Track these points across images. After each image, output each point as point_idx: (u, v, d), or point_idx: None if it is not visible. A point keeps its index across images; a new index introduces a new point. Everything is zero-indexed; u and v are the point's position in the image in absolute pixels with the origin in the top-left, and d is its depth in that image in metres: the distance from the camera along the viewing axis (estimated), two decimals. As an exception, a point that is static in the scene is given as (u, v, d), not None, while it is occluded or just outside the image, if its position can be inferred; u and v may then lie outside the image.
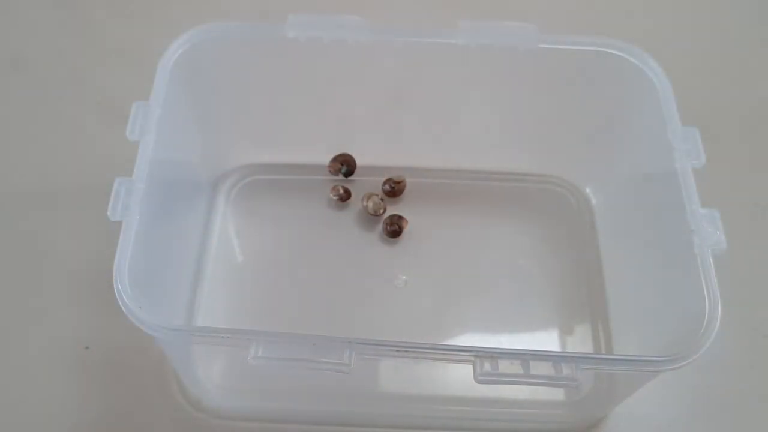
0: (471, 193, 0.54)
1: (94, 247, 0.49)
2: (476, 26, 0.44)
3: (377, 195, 0.52)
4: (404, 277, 0.50)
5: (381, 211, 0.52)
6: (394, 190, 0.53)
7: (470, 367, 0.35)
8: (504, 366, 0.34)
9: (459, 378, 0.42)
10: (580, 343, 0.48)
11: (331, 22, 0.44)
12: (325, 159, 0.54)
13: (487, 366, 0.34)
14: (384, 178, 0.53)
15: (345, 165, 0.54)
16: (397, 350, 0.37)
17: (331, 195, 0.53)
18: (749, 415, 0.45)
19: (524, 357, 0.34)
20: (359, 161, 0.54)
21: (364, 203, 0.52)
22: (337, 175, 0.54)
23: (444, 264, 0.51)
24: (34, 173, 0.54)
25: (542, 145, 0.53)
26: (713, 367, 0.46)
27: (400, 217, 0.51)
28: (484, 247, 0.51)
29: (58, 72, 0.59)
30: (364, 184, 0.54)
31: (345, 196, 0.53)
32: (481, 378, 0.34)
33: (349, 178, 0.54)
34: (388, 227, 0.51)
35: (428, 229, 0.52)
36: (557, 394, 0.45)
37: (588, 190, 0.54)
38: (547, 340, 0.48)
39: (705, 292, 0.36)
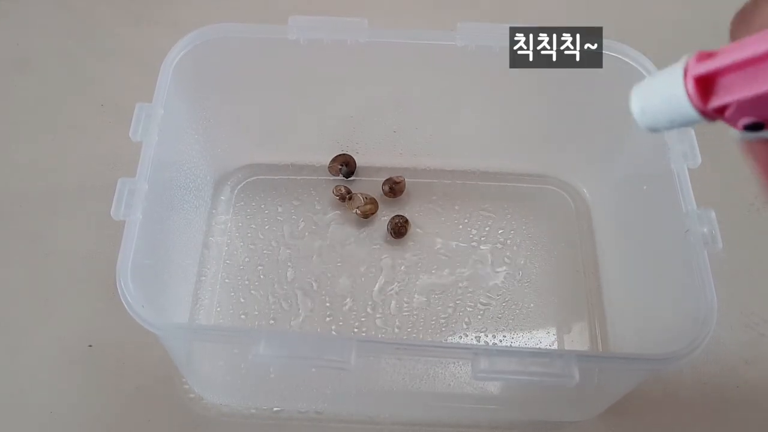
0: (469, 193, 0.54)
1: (98, 247, 0.50)
2: (475, 28, 0.45)
3: (360, 197, 0.52)
4: (404, 276, 0.50)
5: (362, 204, 0.52)
6: (393, 190, 0.53)
7: (469, 364, 0.35)
8: (502, 363, 0.35)
9: (457, 375, 0.42)
10: (577, 340, 0.48)
11: (332, 24, 0.45)
12: (326, 159, 0.55)
13: (485, 363, 0.34)
14: (384, 178, 0.54)
15: (345, 165, 0.54)
16: (397, 348, 0.38)
17: (333, 194, 0.53)
18: (745, 411, 0.46)
19: (522, 354, 0.35)
20: (359, 161, 0.55)
21: (356, 211, 0.52)
22: (337, 175, 0.55)
23: (442, 263, 0.51)
24: (39, 173, 0.54)
25: (540, 146, 0.53)
26: (709, 363, 0.47)
27: (407, 221, 0.52)
28: (483, 246, 0.52)
29: (62, 73, 0.60)
30: (364, 184, 0.54)
31: (347, 196, 0.53)
32: (479, 375, 0.34)
33: (349, 178, 0.55)
34: (394, 228, 0.51)
35: (427, 228, 0.53)
36: (552, 391, 0.45)
37: (585, 190, 0.54)
38: (545, 338, 0.48)
39: (701, 291, 0.37)
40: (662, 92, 0.22)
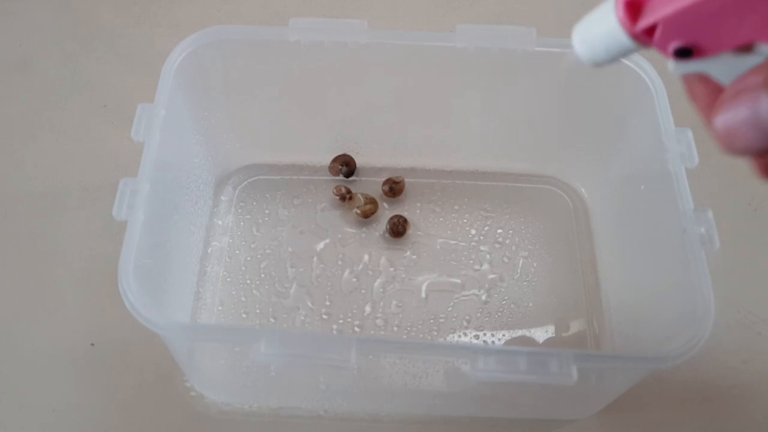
0: (468, 193, 0.54)
1: (100, 246, 0.50)
2: (475, 29, 0.45)
3: (360, 197, 0.53)
4: (404, 276, 0.51)
5: (362, 204, 0.52)
6: (393, 190, 0.54)
7: (468, 363, 0.35)
8: (500, 363, 0.35)
9: (456, 373, 0.43)
10: (576, 339, 0.48)
11: (332, 25, 0.45)
12: (326, 160, 0.55)
13: (483, 363, 0.35)
14: (384, 179, 0.54)
15: (345, 165, 0.55)
16: (397, 347, 0.38)
17: (334, 194, 0.53)
18: (742, 409, 0.46)
19: (520, 354, 0.35)
20: (359, 162, 0.55)
21: (356, 211, 0.52)
22: (337, 175, 0.55)
23: (442, 263, 0.51)
24: (41, 174, 0.54)
25: (539, 146, 0.54)
26: (707, 362, 0.47)
27: (405, 220, 0.52)
28: (482, 246, 0.52)
29: (64, 74, 0.60)
30: (364, 184, 0.55)
31: (347, 196, 0.53)
32: (478, 374, 0.35)
33: (350, 178, 0.55)
34: (392, 228, 0.52)
35: (427, 228, 0.53)
36: (550, 390, 0.46)
37: (583, 190, 0.55)
38: (543, 337, 0.49)
39: (698, 290, 0.37)
40: (597, 21, 0.24)
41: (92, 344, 0.47)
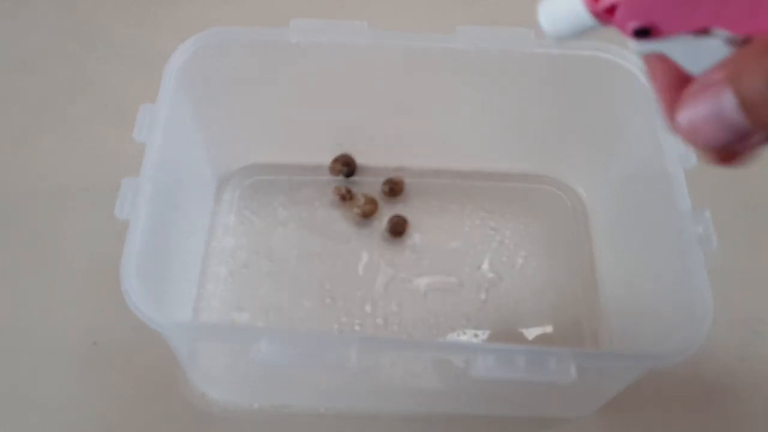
0: (468, 193, 0.55)
1: (102, 245, 0.50)
2: (474, 30, 0.45)
3: (361, 197, 0.53)
4: (404, 275, 0.51)
5: (362, 204, 0.52)
6: (393, 190, 0.54)
7: (467, 362, 0.35)
8: (499, 361, 0.35)
9: (456, 372, 0.43)
10: (574, 338, 0.49)
11: (333, 26, 0.45)
12: (327, 160, 0.55)
13: (483, 361, 0.35)
14: (384, 179, 0.54)
15: (346, 166, 0.55)
16: (397, 346, 0.38)
17: (334, 194, 0.54)
18: (740, 407, 0.46)
19: (519, 353, 0.35)
20: (359, 162, 0.55)
21: (356, 211, 0.53)
22: (338, 175, 0.55)
23: (441, 262, 0.52)
24: (44, 174, 0.54)
25: (538, 147, 0.54)
26: (705, 361, 0.48)
27: (405, 220, 0.52)
28: (481, 246, 0.52)
29: (65, 74, 0.60)
30: (364, 184, 0.55)
31: (347, 196, 0.54)
32: (477, 373, 0.35)
33: (350, 178, 0.55)
34: (392, 228, 0.52)
35: (426, 228, 0.53)
36: (549, 388, 0.46)
37: (582, 190, 0.55)
38: (542, 336, 0.49)
39: (696, 290, 0.37)
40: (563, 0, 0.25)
41: (94, 343, 0.47)
